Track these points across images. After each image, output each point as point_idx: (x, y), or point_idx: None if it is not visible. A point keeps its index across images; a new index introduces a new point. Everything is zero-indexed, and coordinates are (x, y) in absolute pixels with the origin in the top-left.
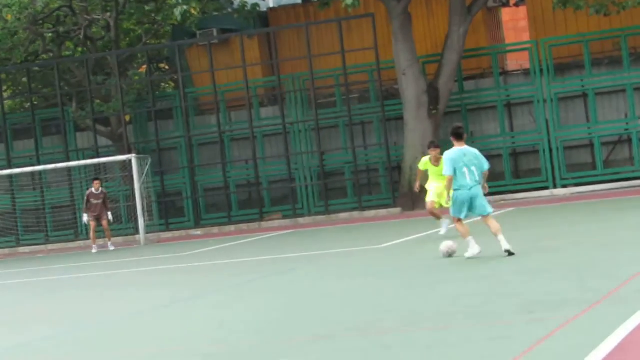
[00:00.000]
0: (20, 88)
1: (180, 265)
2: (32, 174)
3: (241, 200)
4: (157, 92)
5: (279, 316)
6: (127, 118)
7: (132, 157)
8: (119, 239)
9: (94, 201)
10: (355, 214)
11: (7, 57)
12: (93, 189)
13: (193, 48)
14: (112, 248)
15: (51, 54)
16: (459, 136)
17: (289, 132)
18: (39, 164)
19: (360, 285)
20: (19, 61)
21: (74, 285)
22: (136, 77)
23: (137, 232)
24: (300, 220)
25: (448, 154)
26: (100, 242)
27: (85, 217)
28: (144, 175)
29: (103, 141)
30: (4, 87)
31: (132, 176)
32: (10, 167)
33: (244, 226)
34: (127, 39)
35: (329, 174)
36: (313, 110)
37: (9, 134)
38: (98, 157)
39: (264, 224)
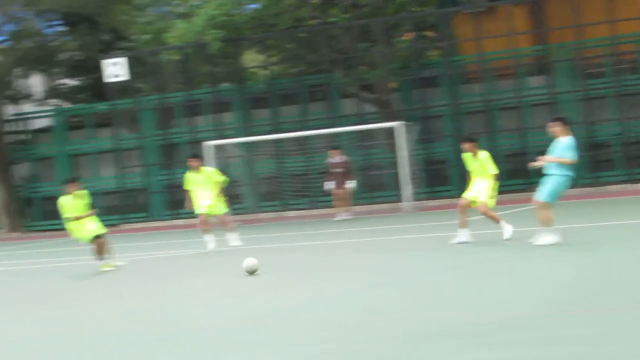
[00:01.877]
0: (286, 54)
1: (444, 234)
2: (299, 139)
3: (508, 169)
4: (422, 60)
5: (579, 285)
6: (393, 85)
7: (398, 124)
8: (384, 206)
9: (334, 170)
10: (628, 186)
11: (273, 23)
12: (332, 158)
13: (459, 16)
14: (345, 217)
15: (317, 20)
16: None
17: (557, 102)
18: (305, 129)
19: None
20: (285, 27)
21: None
22: (401, 45)
23: (401, 199)
24: (569, 191)
25: None
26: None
27: (327, 185)
28: (410, 142)
29: (369, 108)
30: (271, 53)
31: (397, 144)
32: (277, 132)
33: (510, 196)
34: (393, 5)
35: (597, 145)
36: (581, 80)
37: (276, 99)
38: (363, 123)
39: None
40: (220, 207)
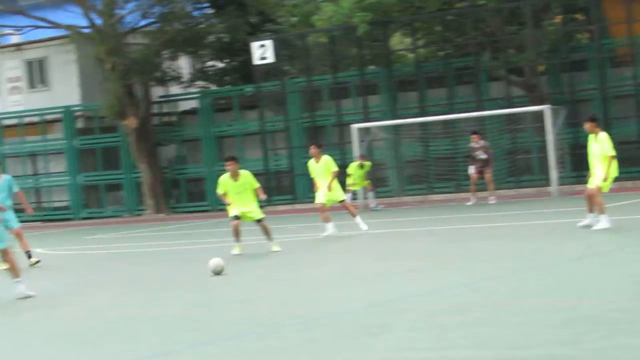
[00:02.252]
0: (434, 36)
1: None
2: (445, 122)
3: None
4: (572, 43)
5: None
6: (541, 68)
7: (546, 107)
8: (530, 190)
9: (476, 154)
10: None
11: (421, 6)
12: (473, 143)
13: None
14: (491, 202)
15: (465, 3)
16: None
17: None
18: (451, 112)
19: None
20: (433, 9)
21: (488, 235)
22: (551, 27)
23: (549, 183)
24: None
25: None
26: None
27: (471, 170)
28: (558, 126)
29: (516, 91)
30: (418, 36)
31: (545, 127)
32: (423, 115)
33: None
34: None
35: None
36: None
37: (423, 81)
38: (510, 107)
39: None
40: (338, 194)
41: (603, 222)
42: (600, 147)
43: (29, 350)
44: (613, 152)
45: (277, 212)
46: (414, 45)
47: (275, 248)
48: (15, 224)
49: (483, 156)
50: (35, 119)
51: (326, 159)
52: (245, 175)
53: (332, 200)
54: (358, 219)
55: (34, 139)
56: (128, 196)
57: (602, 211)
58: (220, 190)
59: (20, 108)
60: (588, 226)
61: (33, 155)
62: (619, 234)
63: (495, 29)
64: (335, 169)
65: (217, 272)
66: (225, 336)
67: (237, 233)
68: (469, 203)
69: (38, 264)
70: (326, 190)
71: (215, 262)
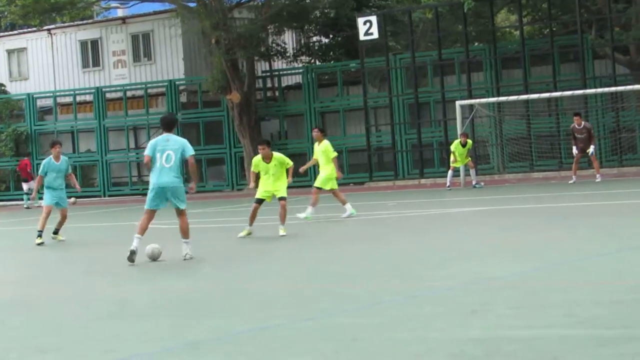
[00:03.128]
0: (540, 14)
1: None
2: (549, 100)
3: None
4: None
5: None
6: None
7: None
8: (633, 169)
9: (578, 135)
10: None
11: None
12: (576, 124)
13: None
14: (598, 179)
15: None
16: None
17: None
18: (555, 90)
19: None
20: None
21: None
22: None
23: None
24: None
25: None
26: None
27: (575, 150)
28: None
29: (621, 69)
30: (524, 13)
31: None
32: (527, 93)
33: None
34: None
35: None
36: None
37: (528, 59)
38: (615, 85)
39: None
40: (325, 182)
41: None
42: None
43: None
44: None
45: (378, 189)
46: (519, 23)
47: (283, 232)
48: (65, 203)
49: (583, 135)
50: (139, 92)
51: (326, 143)
52: (278, 157)
53: (324, 187)
54: (348, 206)
55: (138, 112)
56: (230, 171)
57: None
58: (253, 169)
59: (125, 81)
60: None
61: (135, 128)
62: None
63: (601, 6)
64: (335, 154)
65: (154, 258)
66: (324, 312)
67: (253, 217)
68: (571, 181)
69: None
70: (322, 174)
71: (151, 247)
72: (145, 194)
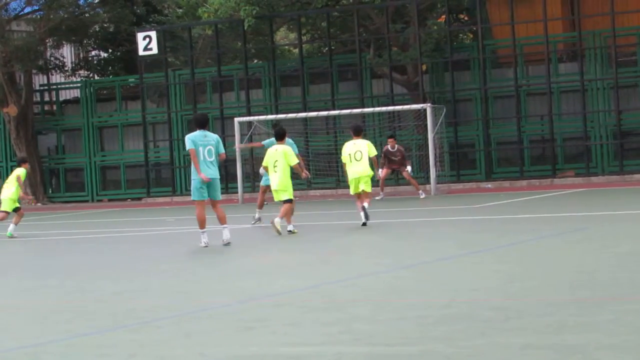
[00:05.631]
0: (319, 32)
1: (469, 218)
2: (327, 118)
3: (534, 155)
4: (455, 43)
5: (571, 276)
6: (424, 67)
7: (427, 106)
8: (409, 188)
9: (392, 158)
10: None
11: (307, 2)
12: (389, 147)
13: (494, 0)
14: (422, 196)
15: (351, 0)
16: None
17: (587, 90)
18: (334, 108)
19: None
20: (320, 6)
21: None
22: (435, 27)
23: (428, 181)
24: (594, 179)
25: None
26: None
27: (380, 171)
28: (438, 125)
29: (398, 89)
30: (303, 31)
31: (425, 125)
32: (306, 110)
33: (535, 182)
34: None
35: (626, 133)
36: (613, 68)
37: (307, 77)
38: (393, 104)
39: (556, 181)
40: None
41: None
42: None
43: None
44: None
45: (156, 204)
46: (299, 41)
47: (289, 227)
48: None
49: (397, 158)
50: None
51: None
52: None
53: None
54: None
55: None
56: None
57: None
58: (264, 163)
59: None
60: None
61: None
62: (494, 232)
63: (379, 26)
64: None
65: None
66: (102, 328)
67: (261, 204)
68: (378, 197)
69: None
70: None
71: None
72: None
